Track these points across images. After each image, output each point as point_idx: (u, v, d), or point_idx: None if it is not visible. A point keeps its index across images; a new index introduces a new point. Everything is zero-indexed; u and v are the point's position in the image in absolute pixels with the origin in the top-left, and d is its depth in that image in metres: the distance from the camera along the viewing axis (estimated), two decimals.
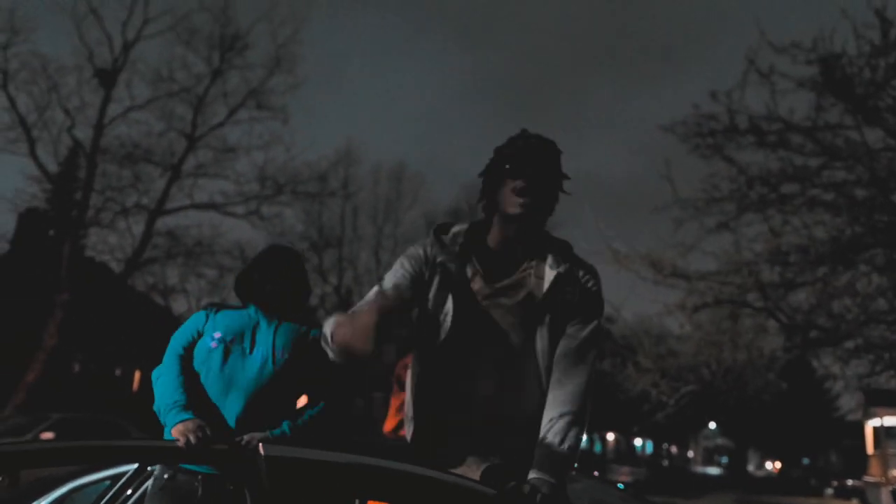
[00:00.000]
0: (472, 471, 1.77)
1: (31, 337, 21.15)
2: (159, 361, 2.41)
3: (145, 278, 25.14)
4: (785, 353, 7.86)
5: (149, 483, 2.74)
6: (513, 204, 1.82)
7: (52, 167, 18.07)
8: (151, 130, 18.68)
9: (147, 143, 18.66)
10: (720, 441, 79.31)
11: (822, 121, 7.03)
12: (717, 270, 7.76)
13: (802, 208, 7.42)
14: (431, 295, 1.87)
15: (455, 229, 1.96)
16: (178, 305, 32.49)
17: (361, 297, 1.89)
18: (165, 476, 2.19)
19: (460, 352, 1.82)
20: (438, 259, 1.87)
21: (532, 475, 1.71)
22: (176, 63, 19.27)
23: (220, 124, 19.30)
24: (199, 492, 2.15)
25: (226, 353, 2.29)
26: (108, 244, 18.71)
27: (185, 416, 2.11)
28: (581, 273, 1.88)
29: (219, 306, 2.48)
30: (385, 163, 47.35)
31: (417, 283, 1.86)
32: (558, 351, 1.82)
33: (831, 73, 6.81)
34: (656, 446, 69.65)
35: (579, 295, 1.85)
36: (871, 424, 26.23)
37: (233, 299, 2.62)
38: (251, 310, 2.42)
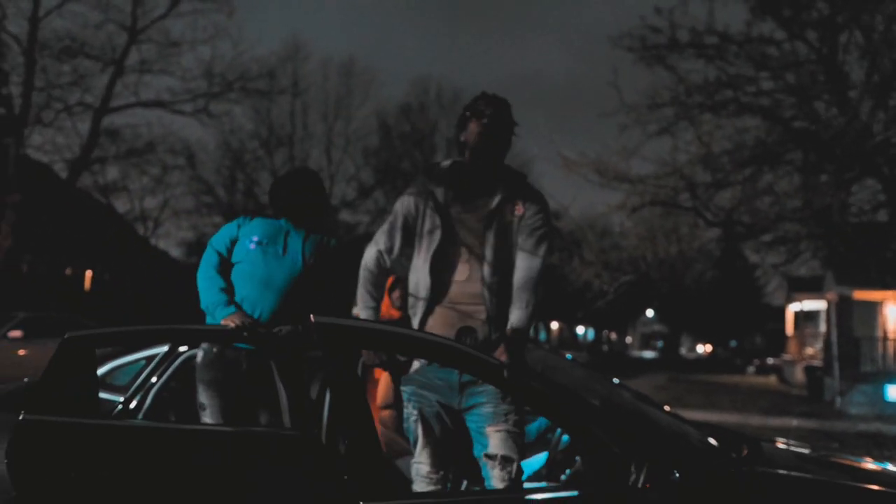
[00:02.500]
0: (451, 333, 2.49)
1: None
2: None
3: (87, 177, 24.67)
4: (715, 245, 8.77)
5: (177, 362, 3.30)
6: (474, 137, 2.52)
7: None
8: (88, 23, 17.90)
9: (85, 35, 17.90)
10: (656, 327, 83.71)
11: (755, 32, 7.61)
12: (654, 174, 8.49)
13: (734, 114, 8.08)
14: (427, 215, 2.59)
15: (444, 164, 2.69)
16: (120, 204, 31.99)
17: None
18: (214, 350, 2.72)
19: (444, 253, 2.55)
20: (431, 194, 2.59)
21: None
22: None
23: (163, 16, 18.57)
24: (244, 365, 2.70)
25: (263, 254, 2.79)
26: (55, 144, 18.24)
27: (231, 309, 2.66)
28: (526, 199, 2.61)
29: (253, 214, 2.96)
30: (334, 57, 45.94)
31: (409, 229, 2.62)
32: (519, 251, 2.57)
33: None
34: (597, 333, 73.67)
35: (525, 215, 2.58)
36: (792, 309, 28.46)
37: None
38: (282, 221, 2.90)
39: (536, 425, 3.59)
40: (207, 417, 2.69)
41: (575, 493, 2.12)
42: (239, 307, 2.68)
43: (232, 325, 2.58)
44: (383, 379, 3.71)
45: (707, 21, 7.73)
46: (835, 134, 6.97)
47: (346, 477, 2.14)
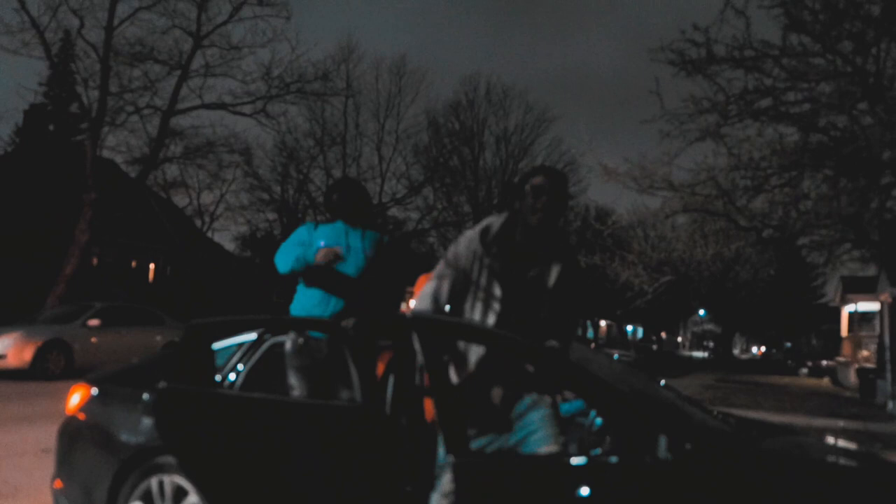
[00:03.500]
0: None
1: (48, 230, 22.23)
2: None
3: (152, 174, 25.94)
4: (757, 249, 9.04)
5: (264, 347, 3.87)
6: (533, 215, 2.70)
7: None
8: (157, 29, 18.95)
9: (153, 40, 18.97)
10: (708, 327, 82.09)
11: (790, 43, 7.82)
12: (689, 182, 8.77)
13: (774, 120, 8.29)
14: (482, 281, 2.78)
15: (495, 228, 2.82)
16: (178, 199, 33.40)
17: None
18: (300, 340, 3.29)
19: (506, 316, 2.79)
20: (486, 260, 2.77)
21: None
22: None
23: (225, 22, 19.52)
24: (324, 351, 3.26)
25: None
26: (127, 145, 19.39)
27: (308, 255, 3.21)
28: (571, 260, 2.85)
29: (317, 223, 3.52)
30: (386, 57, 46.83)
31: (467, 269, 2.80)
32: (558, 299, 2.83)
33: (794, 13, 7.54)
34: (646, 332, 72.88)
35: (570, 275, 2.83)
36: (847, 310, 27.91)
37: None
38: (339, 224, 3.45)
39: (568, 407, 4.04)
40: (296, 395, 3.25)
41: (615, 458, 2.56)
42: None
43: (324, 259, 3.14)
44: None
45: (743, 36, 8.00)
46: (870, 142, 7.16)
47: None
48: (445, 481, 2.65)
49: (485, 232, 2.83)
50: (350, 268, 3.31)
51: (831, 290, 35.63)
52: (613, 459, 2.48)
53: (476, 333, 2.68)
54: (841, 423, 12.41)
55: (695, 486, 2.41)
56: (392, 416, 3.08)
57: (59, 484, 3.74)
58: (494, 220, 2.85)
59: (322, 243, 3.35)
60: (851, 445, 3.41)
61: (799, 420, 12.20)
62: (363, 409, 2.95)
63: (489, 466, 2.57)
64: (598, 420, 3.75)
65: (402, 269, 3.48)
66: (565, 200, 2.75)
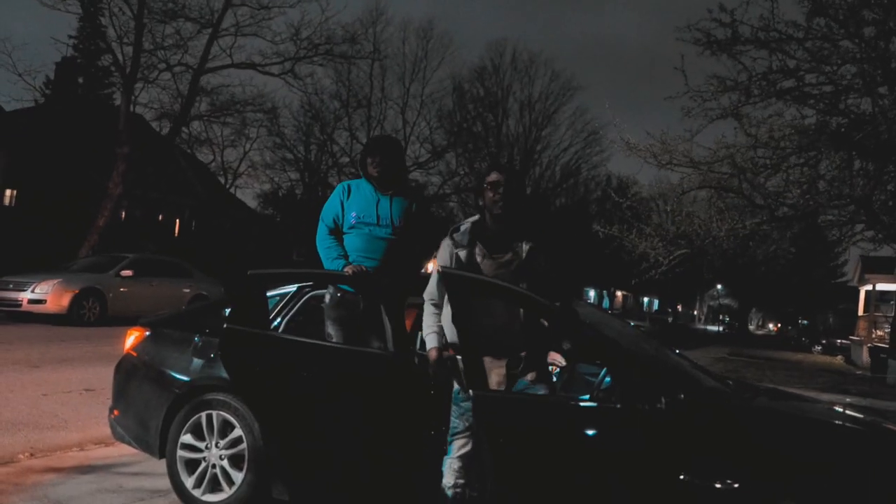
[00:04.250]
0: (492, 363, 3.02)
1: (76, 181, 22.78)
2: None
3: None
4: (765, 227, 9.26)
5: (303, 299, 4.21)
6: (495, 207, 3.09)
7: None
8: None
9: None
10: (725, 301, 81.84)
11: (813, 29, 7.88)
12: (707, 160, 8.92)
13: (797, 101, 8.40)
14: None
15: (463, 227, 3.19)
16: (202, 155, 33.80)
17: None
18: (338, 295, 3.63)
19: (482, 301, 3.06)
20: (455, 252, 3.11)
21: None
22: None
23: None
24: (361, 305, 3.60)
25: (362, 226, 3.64)
26: (159, 101, 19.74)
27: (346, 261, 3.57)
28: (536, 246, 3.17)
29: (349, 189, 3.78)
30: (413, 20, 46.56)
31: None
32: (533, 270, 3.13)
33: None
34: (662, 304, 72.97)
35: (539, 257, 3.16)
36: (865, 289, 27.90)
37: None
38: (370, 191, 3.72)
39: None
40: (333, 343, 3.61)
41: (618, 405, 2.89)
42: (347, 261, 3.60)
43: (349, 272, 3.49)
44: None
45: (769, 17, 8.05)
46: (889, 126, 7.26)
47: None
48: (457, 439, 3.02)
49: (454, 230, 3.22)
50: (380, 236, 3.63)
51: (851, 270, 35.53)
52: (617, 405, 2.82)
53: (499, 290, 3.00)
54: (847, 399, 12.65)
55: (686, 432, 2.74)
56: (419, 366, 3.46)
57: (116, 413, 4.17)
58: (464, 222, 3.25)
59: (354, 215, 3.65)
60: (855, 413, 3.57)
61: (808, 395, 12.44)
62: (394, 357, 3.30)
63: (505, 403, 2.92)
64: (608, 379, 4.09)
65: (427, 235, 3.79)
66: (521, 190, 3.20)
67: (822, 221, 9.53)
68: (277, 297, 4.21)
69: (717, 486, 2.55)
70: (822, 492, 2.54)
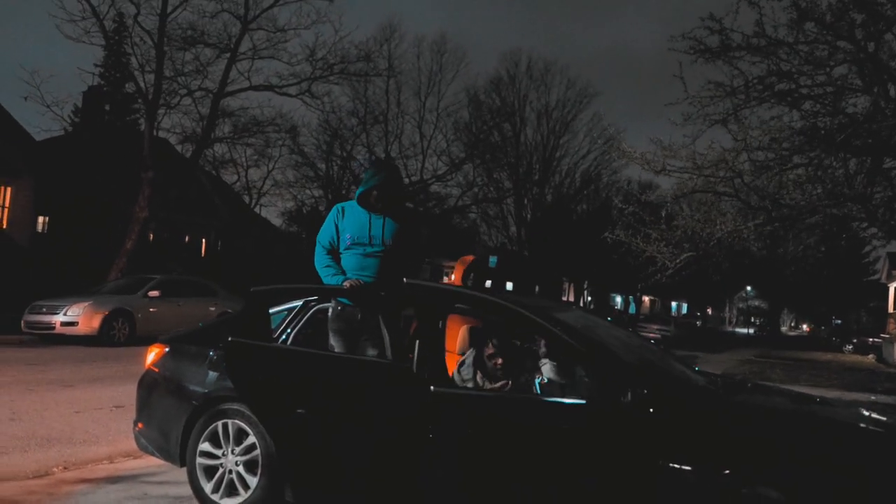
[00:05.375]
0: None
1: (104, 205, 23.43)
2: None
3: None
4: (766, 227, 9.35)
5: (309, 313, 4.45)
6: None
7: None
8: (206, 13, 19.73)
9: (203, 24, 19.75)
10: (755, 303, 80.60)
11: (803, 33, 8.02)
12: (701, 165, 9.06)
13: (794, 104, 8.51)
14: None
15: None
16: (227, 175, 34.53)
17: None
18: (339, 308, 3.88)
19: None
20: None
21: None
22: None
23: (271, 6, 20.16)
24: (359, 316, 3.84)
25: (356, 248, 3.92)
26: (181, 126, 20.32)
27: (344, 276, 3.82)
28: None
29: (343, 210, 4.05)
30: (427, 35, 47.13)
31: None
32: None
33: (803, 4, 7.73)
34: (691, 308, 72.11)
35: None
36: (893, 286, 27.47)
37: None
38: (363, 214, 3.97)
39: None
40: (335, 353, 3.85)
41: (583, 401, 3.08)
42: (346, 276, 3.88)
43: (348, 286, 3.74)
44: (461, 331, 4.76)
45: (756, 24, 8.19)
46: (881, 125, 7.34)
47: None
48: None
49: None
50: (373, 255, 3.91)
51: (880, 267, 34.87)
52: (581, 401, 3.01)
53: (472, 298, 3.24)
54: (873, 398, 12.49)
55: (652, 424, 2.89)
56: (418, 372, 3.67)
57: (140, 425, 4.45)
58: None
59: (348, 236, 3.91)
60: (878, 416, 3.58)
61: (832, 394, 12.30)
62: (393, 365, 3.52)
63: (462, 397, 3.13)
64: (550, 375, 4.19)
65: (415, 251, 4.08)
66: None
67: (819, 220, 9.57)
68: (285, 312, 4.46)
69: (680, 475, 2.68)
70: (790, 480, 2.62)
